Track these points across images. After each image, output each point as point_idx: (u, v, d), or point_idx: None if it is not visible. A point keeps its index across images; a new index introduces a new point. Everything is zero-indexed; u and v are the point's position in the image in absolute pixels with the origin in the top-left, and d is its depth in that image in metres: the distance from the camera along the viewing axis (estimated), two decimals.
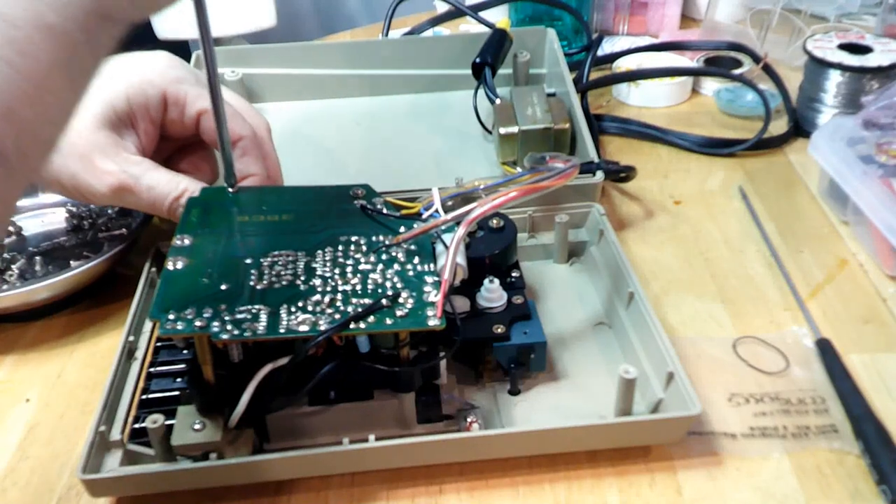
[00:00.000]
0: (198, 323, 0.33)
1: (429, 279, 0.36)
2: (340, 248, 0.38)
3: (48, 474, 0.39)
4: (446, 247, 0.37)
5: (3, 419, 0.42)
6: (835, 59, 0.59)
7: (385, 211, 0.41)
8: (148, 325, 0.44)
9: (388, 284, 0.36)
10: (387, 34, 0.73)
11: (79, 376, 0.45)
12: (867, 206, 0.47)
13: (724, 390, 0.41)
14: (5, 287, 0.46)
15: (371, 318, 0.34)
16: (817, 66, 0.60)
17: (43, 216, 0.55)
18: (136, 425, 0.38)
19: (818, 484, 0.37)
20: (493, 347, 0.40)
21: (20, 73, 0.25)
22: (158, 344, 0.41)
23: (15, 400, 0.43)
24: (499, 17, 0.71)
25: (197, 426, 0.35)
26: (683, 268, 0.50)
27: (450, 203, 0.42)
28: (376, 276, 0.36)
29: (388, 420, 0.38)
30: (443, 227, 0.39)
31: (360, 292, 0.35)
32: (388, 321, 0.34)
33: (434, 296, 0.35)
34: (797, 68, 0.66)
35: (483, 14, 0.72)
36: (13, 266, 0.51)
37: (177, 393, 0.38)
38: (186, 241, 0.38)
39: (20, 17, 0.25)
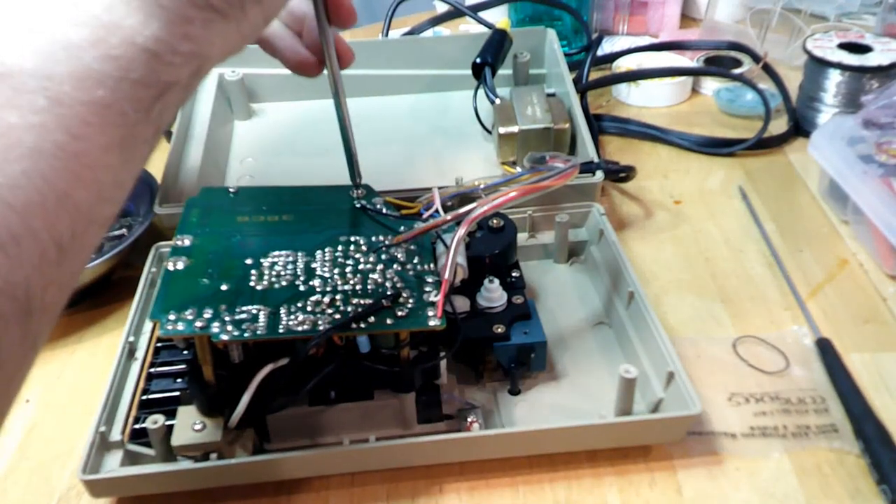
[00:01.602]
0: (198, 323, 0.33)
1: (429, 279, 0.36)
2: (340, 248, 0.38)
3: (48, 475, 0.39)
4: (446, 247, 0.37)
5: None
6: (834, 58, 0.59)
7: (385, 211, 0.41)
8: (148, 325, 0.44)
9: (389, 284, 0.36)
10: (387, 34, 0.73)
11: (79, 376, 0.45)
12: (867, 205, 0.47)
13: (724, 390, 0.41)
14: None
15: (371, 319, 0.34)
16: (817, 66, 0.60)
17: None
18: (137, 426, 0.38)
19: (818, 483, 0.37)
20: (493, 347, 0.40)
21: (75, 155, 0.23)
22: (159, 344, 0.41)
23: (15, 400, 0.43)
24: (499, 17, 0.72)
25: (197, 426, 0.35)
26: (683, 267, 0.50)
27: (450, 203, 0.42)
28: (376, 276, 0.36)
29: (388, 420, 0.38)
30: (443, 227, 0.39)
31: (360, 292, 0.35)
32: (389, 321, 0.34)
33: (434, 296, 0.35)
34: (797, 68, 0.66)
35: (483, 14, 0.72)
36: None
37: (177, 393, 0.38)
38: (186, 242, 0.38)
39: (66, 93, 0.23)
